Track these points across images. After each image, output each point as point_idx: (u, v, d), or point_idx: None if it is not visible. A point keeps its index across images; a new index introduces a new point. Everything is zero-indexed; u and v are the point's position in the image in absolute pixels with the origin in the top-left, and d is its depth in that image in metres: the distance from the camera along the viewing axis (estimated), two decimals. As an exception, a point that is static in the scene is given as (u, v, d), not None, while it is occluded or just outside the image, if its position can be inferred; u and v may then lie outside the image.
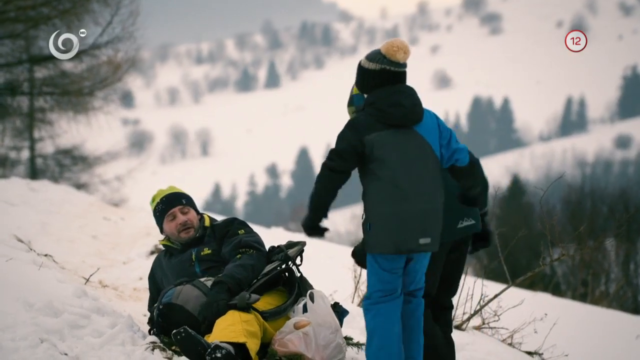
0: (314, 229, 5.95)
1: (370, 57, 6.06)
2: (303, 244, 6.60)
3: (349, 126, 5.97)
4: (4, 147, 25.12)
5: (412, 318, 6.15)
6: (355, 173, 6.08)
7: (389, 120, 5.93)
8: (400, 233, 5.85)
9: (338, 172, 5.89)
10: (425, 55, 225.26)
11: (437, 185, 6.02)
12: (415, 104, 6.01)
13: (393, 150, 5.90)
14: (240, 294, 5.99)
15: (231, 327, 5.76)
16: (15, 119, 23.43)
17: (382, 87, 6.00)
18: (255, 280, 6.27)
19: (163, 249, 6.84)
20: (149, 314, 6.69)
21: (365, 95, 6.10)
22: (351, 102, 6.51)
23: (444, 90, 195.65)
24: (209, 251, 6.56)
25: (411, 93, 6.03)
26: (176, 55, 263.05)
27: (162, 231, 6.79)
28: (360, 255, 6.22)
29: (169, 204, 6.72)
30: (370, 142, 5.88)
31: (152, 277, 6.80)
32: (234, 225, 6.70)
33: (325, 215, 5.97)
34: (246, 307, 5.92)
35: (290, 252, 6.50)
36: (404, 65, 6.06)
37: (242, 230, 6.64)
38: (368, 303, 6.00)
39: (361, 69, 6.09)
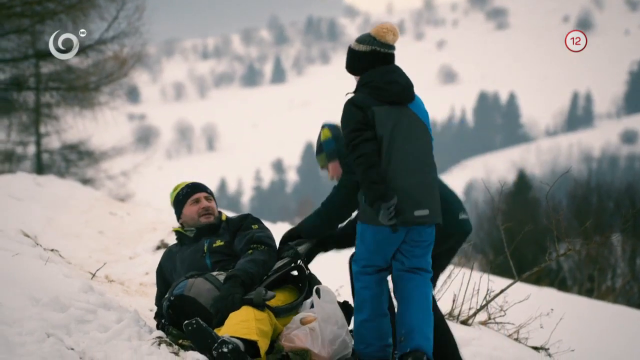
0: (386, 196, 5.87)
1: (360, 40, 6.18)
2: (313, 241, 6.61)
3: (351, 105, 6.04)
4: (11, 142, 25.14)
5: (407, 291, 6.14)
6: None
7: (386, 96, 6.04)
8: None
9: (369, 140, 5.93)
10: (431, 50, 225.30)
11: (430, 161, 6.13)
12: (409, 82, 6.14)
13: (389, 126, 5.99)
14: (257, 290, 5.97)
15: (244, 324, 5.75)
16: (22, 114, 23.44)
17: (374, 68, 6.11)
18: (266, 277, 6.27)
19: (169, 245, 6.84)
20: (155, 309, 6.68)
21: (357, 79, 6.18)
22: (321, 149, 6.63)
23: (450, 85, 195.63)
24: (222, 243, 6.56)
25: (403, 73, 6.17)
26: (182, 50, 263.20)
27: (180, 216, 6.81)
28: None
29: (195, 189, 6.82)
30: (374, 114, 5.97)
31: (160, 271, 6.78)
32: (247, 220, 6.73)
33: (385, 183, 5.93)
34: (262, 304, 5.92)
35: (300, 249, 6.52)
36: (393, 47, 6.20)
37: (256, 225, 6.66)
38: (356, 271, 6.13)
39: (351, 52, 6.19)
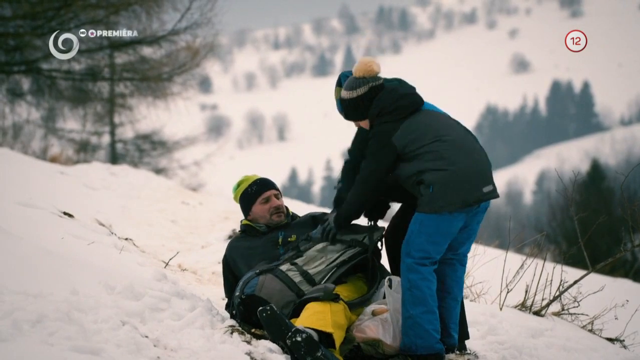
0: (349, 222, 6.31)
1: (353, 86, 6.21)
2: (382, 229, 6.54)
3: (376, 140, 6.07)
4: (86, 132, 25.53)
5: (457, 285, 6.29)
6: None
7: (403, 112, 6.09)
8: (465, 185, 5.97)
9: (385, 166, 6.07)
10: (504, 39, 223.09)
11: (476, 140, 6.22)
12: (413, 88, 6.23)
13: (425, 129, 6.04)
14: (326, 286, 5.94)
15: (320, 315, 5.74)
16: (96, 105, 23.76)
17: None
18: (335, 269, 6.22)
19: (239, 233, 6.78)
20: (227, 298, 6.67)
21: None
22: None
23: (523, 74, 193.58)
24: (295, 238, 6.52)
25: (397, 85, 6.22)
26: (253, 40, 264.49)
27: (248, 213, 6.71)
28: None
29: (265, 186, 6.71)
30: (402, 142, 6.03)
31: (226, 262, 6.64)
32: None
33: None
34: (335, 298, 5.92)
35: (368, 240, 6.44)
36: (380, 76, 6.28)
37: None
38: (412, 263, 6.04)
39: (351, 101, 6.20)
